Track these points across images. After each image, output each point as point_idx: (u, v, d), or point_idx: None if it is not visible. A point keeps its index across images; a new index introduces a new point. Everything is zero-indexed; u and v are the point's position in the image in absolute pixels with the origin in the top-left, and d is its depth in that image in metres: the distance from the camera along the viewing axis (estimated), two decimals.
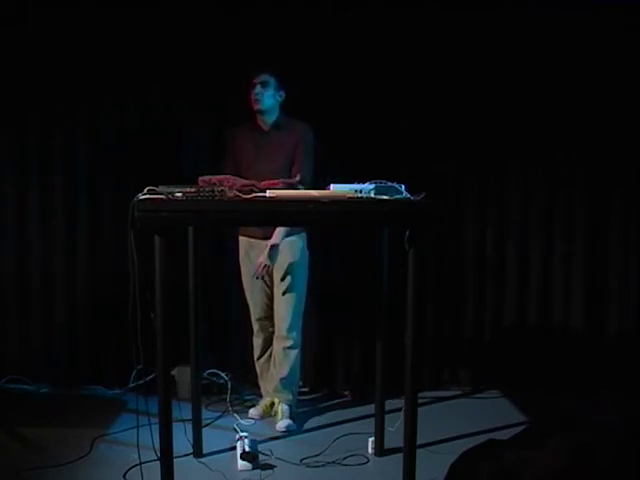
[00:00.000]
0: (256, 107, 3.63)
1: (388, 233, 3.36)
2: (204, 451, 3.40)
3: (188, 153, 4.20)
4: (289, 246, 3.71)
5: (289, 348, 3.75)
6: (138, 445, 2.83)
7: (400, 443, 2.89)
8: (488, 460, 2.40)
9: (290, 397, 3.79)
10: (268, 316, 3.86)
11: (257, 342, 3.92)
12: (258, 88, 3.60)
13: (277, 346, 3.79)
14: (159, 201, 2.57)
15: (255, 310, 3.87)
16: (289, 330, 3.73)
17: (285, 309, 3.74)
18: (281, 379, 3.76)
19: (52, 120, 4.15)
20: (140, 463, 2.86)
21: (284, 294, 3.74)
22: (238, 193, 2.67)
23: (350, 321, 4.31)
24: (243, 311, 4.19)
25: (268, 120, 3.68)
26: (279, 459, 3.33)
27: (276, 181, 2.92)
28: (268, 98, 3.62)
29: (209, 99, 4.13)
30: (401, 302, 2.80)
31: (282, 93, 3.67)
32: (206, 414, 3.72)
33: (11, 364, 4.15)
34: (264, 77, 3.62)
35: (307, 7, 4.11)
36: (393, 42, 4.14)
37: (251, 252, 3.78)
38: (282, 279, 3.73)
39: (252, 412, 3.88)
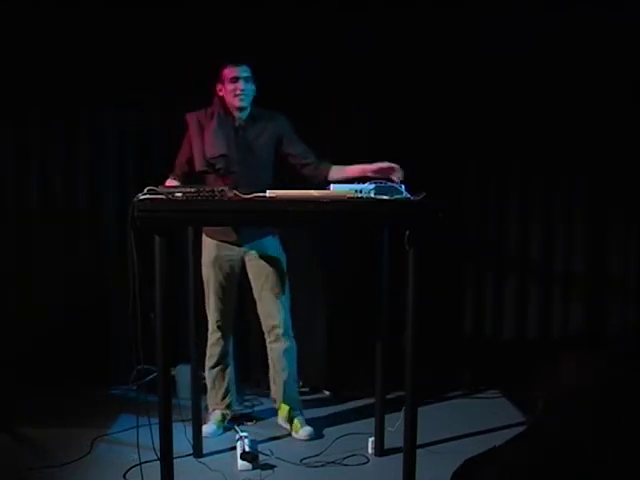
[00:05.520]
0: (240, 104, 3.41)
1: (388, 233, 3.35)
2: (204, 451, 3.40)
3: None
4: (265, 246, 3.55)
5: (289, 351, 3.65)
6: (138, 445, 2.82)
7: (400, 443, 2.90)
8: (490, 468, 2.39)
9: (299, 403, 3.74)
10: (232, 324, 3.68)
11: (215, 350, 3.65)
12: (242, 83, 3.39)
13: (277, 352, 3.65)
14: (159, 201, 2.57)
15: (224, 318, 3.61)
16: (286, 333, 3.62)
17: (279, 313, 3.59)
18: (289, 385, 3.67)
19: (52, 120, 4.16)
20: (140, 463, 2.86)
21: (273, 296, 3.57)
22: (238, 193, 2.68)
23: (351, 321, 4.31)
24: (243, 311, 4.19)
25: (243, 115, 3.46)
26: (279, 459, 3.32)
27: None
28: (252, 93, 3.43)
29: (209, 98, 4.13)
30: (401, 302, 2.81)
31: (255, 86, 3.48)
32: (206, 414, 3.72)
33: (11, 364, 4.14)
34: (247, 70, 3.41)
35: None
36: (393, 41, 4.13)
37: (223, 256, 3.54)
38: (266, 281, 3.57)
39: (206, 430, 3.56)
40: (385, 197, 2.68)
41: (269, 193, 2.68)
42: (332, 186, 2.76)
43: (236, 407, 3.80)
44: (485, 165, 4.31)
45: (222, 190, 2.63)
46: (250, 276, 3.62)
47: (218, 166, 3.39)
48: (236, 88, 3.39)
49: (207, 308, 3.64)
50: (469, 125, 4.25)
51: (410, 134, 4.18)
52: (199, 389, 3.49)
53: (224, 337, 3.65)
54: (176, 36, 4.07)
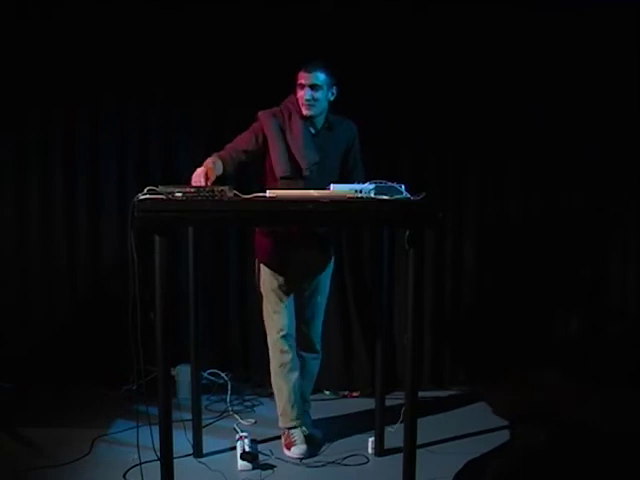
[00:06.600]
0: (307, 113, 3.16)
1: (388, 233, 3.35)
2: (204, 451, 3.39)
3: (187, 153, 4.18)
4: (321, 252, 3.39)
5: (313, 361, 3.53)
6: (138, 445, 2.82)
7: (400, 443, 2.89)
8: (491, 469, 2.41)
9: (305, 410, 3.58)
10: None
11: (294, 364, 3.39)
12: (308, 92, 3.12)
13: (307, 361, 3.50)
14: (159, 201, 2.57)
15: (288, 324, 3.36)
16: (317, 344, 3.51)
17: (319, 321, 3.48)
18: (308, 395, 3.60)
19: (52, 120, 4.16)
20: (140, 463, 2.85)
21: (315, 306, 3.44)
22: (238, 193, 2.68)
23: (350, 321, 4.31)
24: (243, 311, 4.19)
25: (318, 123, 3.23)
26: (279, 459, 3.32)
27: None
28: (321, 102, 3.16)
29: (209, 98, 4.14)
30: (401, 302, 2.81)
31: (334, 90, 3.20)
32: (206, 414, 3.72)
33: (11, 364, 4.15)
34: (316, 77, 3.12)
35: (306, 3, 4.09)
36: (394, 41, 4.14)
37: (292, 254, 3.31)
38: (315, 290, 3.42)
39: (298, 451, 3.34)
40: (385, 197, 2.68)
41: (269, 193, 2.69)
42: (332, 186, 2.76)
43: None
44: (485, 165, 4.32)
45: (222, 190, 2.63)
46: (300, 280, 3.39)
47: (306, 173, 3.18)
48: (301, 96, 3.16)
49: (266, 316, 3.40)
50: (469, 125, 4.25)
51: (410, 134, 4.20)
52: (199, 389, 3.48)
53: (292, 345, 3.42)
54: (176, 36, 4.08)
